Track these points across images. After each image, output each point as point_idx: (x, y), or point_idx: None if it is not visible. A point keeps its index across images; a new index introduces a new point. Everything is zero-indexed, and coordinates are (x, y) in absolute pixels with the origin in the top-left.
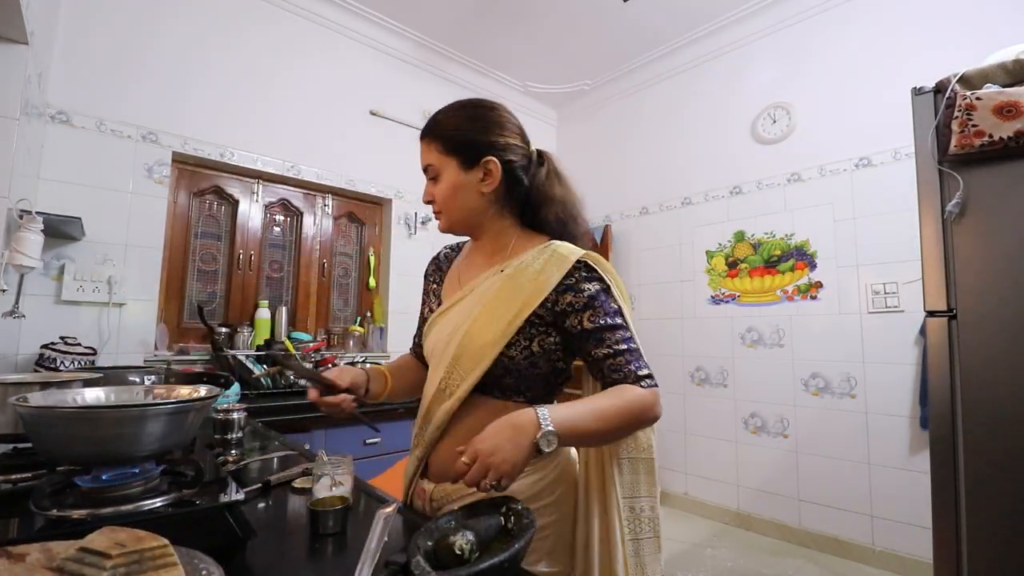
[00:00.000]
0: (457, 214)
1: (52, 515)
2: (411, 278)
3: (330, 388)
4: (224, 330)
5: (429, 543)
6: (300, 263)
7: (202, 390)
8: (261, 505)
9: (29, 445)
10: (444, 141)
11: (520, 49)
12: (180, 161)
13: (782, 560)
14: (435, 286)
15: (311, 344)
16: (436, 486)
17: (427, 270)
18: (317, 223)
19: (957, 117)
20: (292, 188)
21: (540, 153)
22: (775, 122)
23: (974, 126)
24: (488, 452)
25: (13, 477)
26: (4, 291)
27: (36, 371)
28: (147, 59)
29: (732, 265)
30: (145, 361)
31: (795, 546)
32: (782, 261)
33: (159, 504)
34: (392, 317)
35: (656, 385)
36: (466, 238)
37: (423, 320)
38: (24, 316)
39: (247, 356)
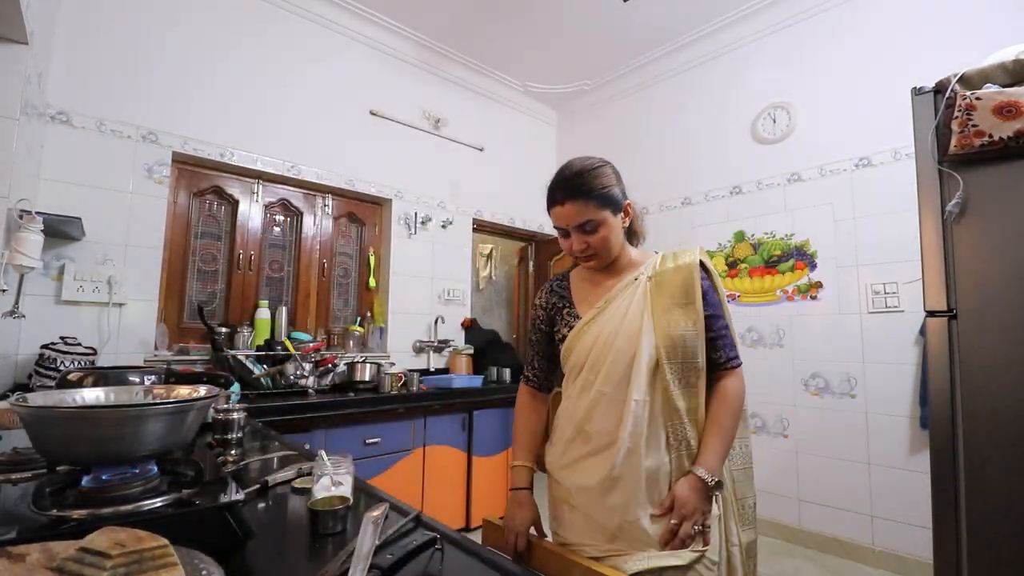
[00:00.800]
0: (612, 252)
1: (52, 515)
2: (411, 278)
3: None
4: (224, 330)
5: None
6: (300, 263)
7: (202, 390)
8: (261, 505)
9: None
10: (598, 199)
11: (520, 49)
12: (180, 161)
13: (782, 560)
14: (567, 308)
15: (311, 344)
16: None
17: (548, 300)
18: (317, 223)
19: (957, 117)
20: (292, 188)
21: None
22: (775, 122)
23: (974, 126)
24: (692, 508)
25: (13, 477)
26: (4, 291)
27: (36, 371)
28: (147, 59)
29: (732, 265)
30: (145, 361)
31: (795, 546)
32: (782, 261)
33: (159, 504)
34: (392, 317)
35: (739, 360)
36: (565, 271)
37: (549, 340)
38: (24, 316)
39: (247, 356)
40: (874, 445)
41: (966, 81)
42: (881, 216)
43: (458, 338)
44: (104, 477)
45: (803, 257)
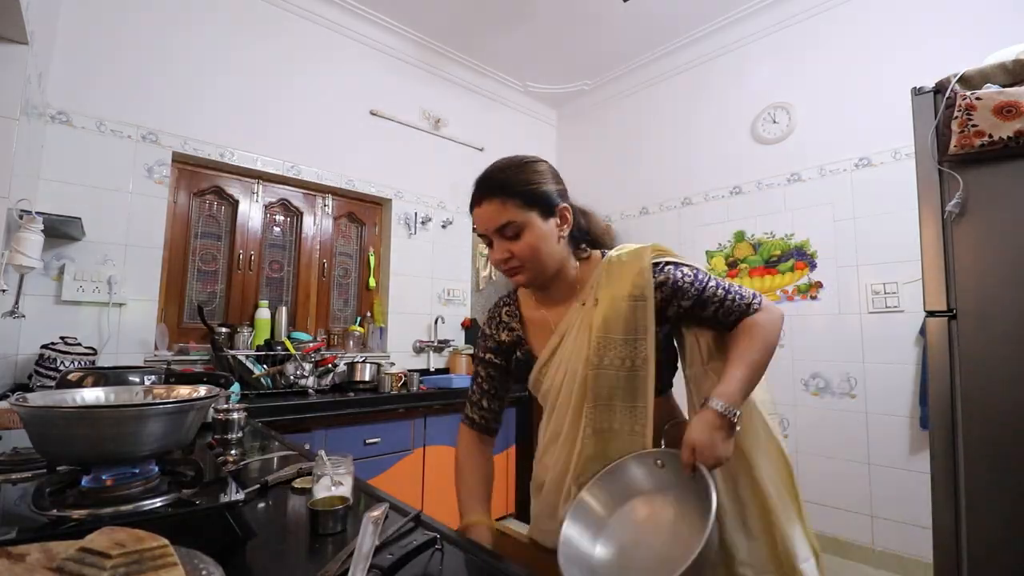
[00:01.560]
0: (545, 267)
1: (52, 515)
2: (411, 278)
3: None
4: (224, 330)
5: None
6: (300, 263)
7: (202, 390)
8: (261, 505)
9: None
10: (522, 196)
11: (520, 49)
12: (180, 161)
13: None
14: (519, 342)
15: (311, 344)
16: None
17: (493, 330)
18: (317, 223)
19: (957, 117)
20: (292, 188)
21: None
22: (775, 122)
23: (974, 126)
24: (702, 446)
25: (13, 477)
26: (4, 291)
27: (36, 371)
28: (147, 59)
29: (732, 265)
30: (145, 361)
31: None
32: (782, 261)
33: (159, 504)
34: (392, 317)
35: (761, 301)
36: (511, 292)
37: (504, 374)
38: (24, 316)
39: (247, 356)
40: (874, 445)
41: (966, 81)
42: (881, 216)
43: (458, 338)
44: (104, 477)
45: (803, 257)
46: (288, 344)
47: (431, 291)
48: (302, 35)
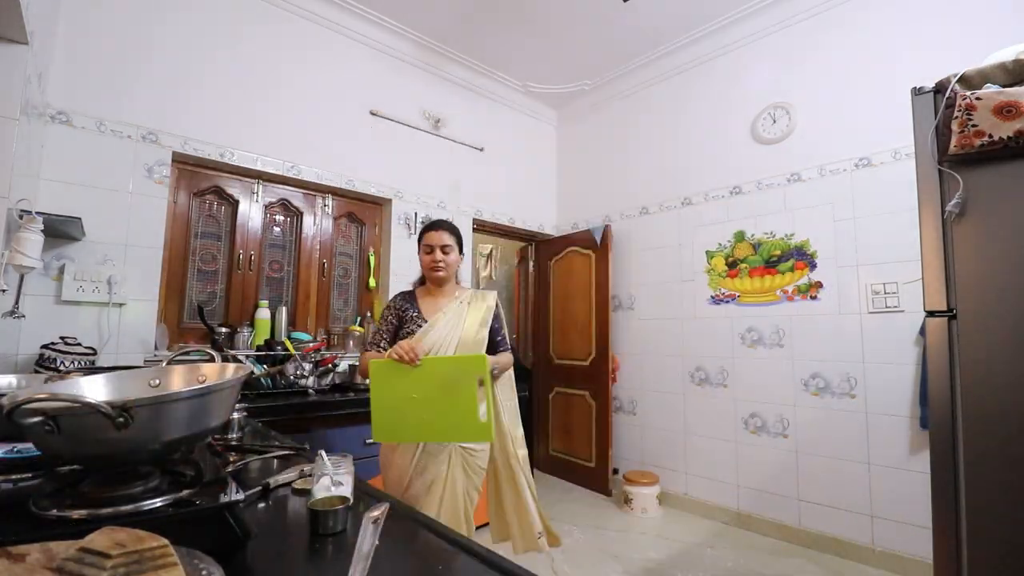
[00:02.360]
0: (451, 272)
1: (52, 515)
2: (411, 278)
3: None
4: (224, 330)
5: None
6: (300, 263)
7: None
8: (261, 506)
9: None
10: (457, 238)
11: (520, 49)
12: (180, 161)
13: (782, 560)
14: (415, 313)
15: (311, 344)
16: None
17: (396, 304)
18: (317, 223)
19: (957, 117)
20: (292, 188)
21: None
22: (775, 122)
23: (974, 126)
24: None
25: (13, 477)
26: (4, 291)
27: (36, 371)
28: (147, 59)
29: (732, 265)
30: (145, 361)
31: (795, 546)
32: (782, 261)
33: (159, 504)
34: None
35: (508, 346)
36: (409, 289)
37: (395, 331)
38: (24, 316)
39: (247, 356)
40: (874, 445)
41: (966, 81)
42: (881, 216)
43: None
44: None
45: (803, 257)
46: (288, 344)
47: None
48: (302, 35)
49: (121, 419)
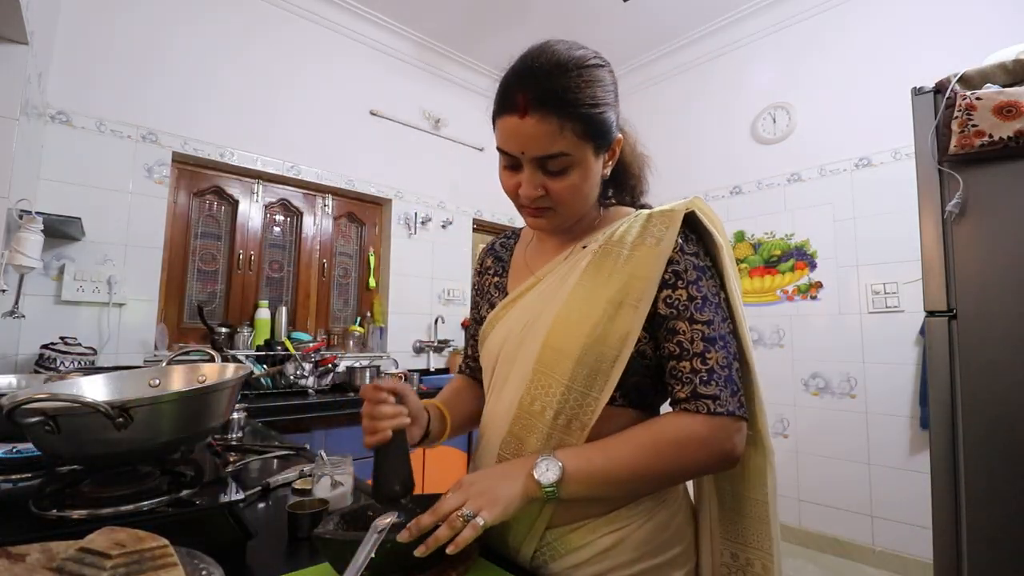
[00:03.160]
0: (579, 210)
1: (52, 515)
2: (411, 278)
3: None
4: (224, 330)
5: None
6: (300, 263)
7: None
8: (261, 506)
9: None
10: (584, 121)
11: (520, 49)
12: (180, 161)
13: (782, 560)
14: (497, 279)
15: (311, 344)
16: (554, 529)
17: (483, 264)
18: (317, 223)
19: (957, 117)
20: (292, 188)
21: None
22: (775, 122)
23: (974, 126)
24: (470, 481)
25: (13, 477)
26: (4, 291)
27: (36, 371)
28: (147, 59)
29: None
30: (145, 361)
31: (795, 546)
32: (782, 261)
33: (159, 504)
34: (392, 317)
35: (726, 412)
36: (514, 227)
37: (478, 323)
38: (24, 316)
39: (247, 356)
40: (874, 445)
41: (966, 81)
42: (881, 216)
43: (458, 338)
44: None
45: (803, 257)
46: (288, 344)
47: (431, 291)
48: (302, 35)
49: (121, 419)
